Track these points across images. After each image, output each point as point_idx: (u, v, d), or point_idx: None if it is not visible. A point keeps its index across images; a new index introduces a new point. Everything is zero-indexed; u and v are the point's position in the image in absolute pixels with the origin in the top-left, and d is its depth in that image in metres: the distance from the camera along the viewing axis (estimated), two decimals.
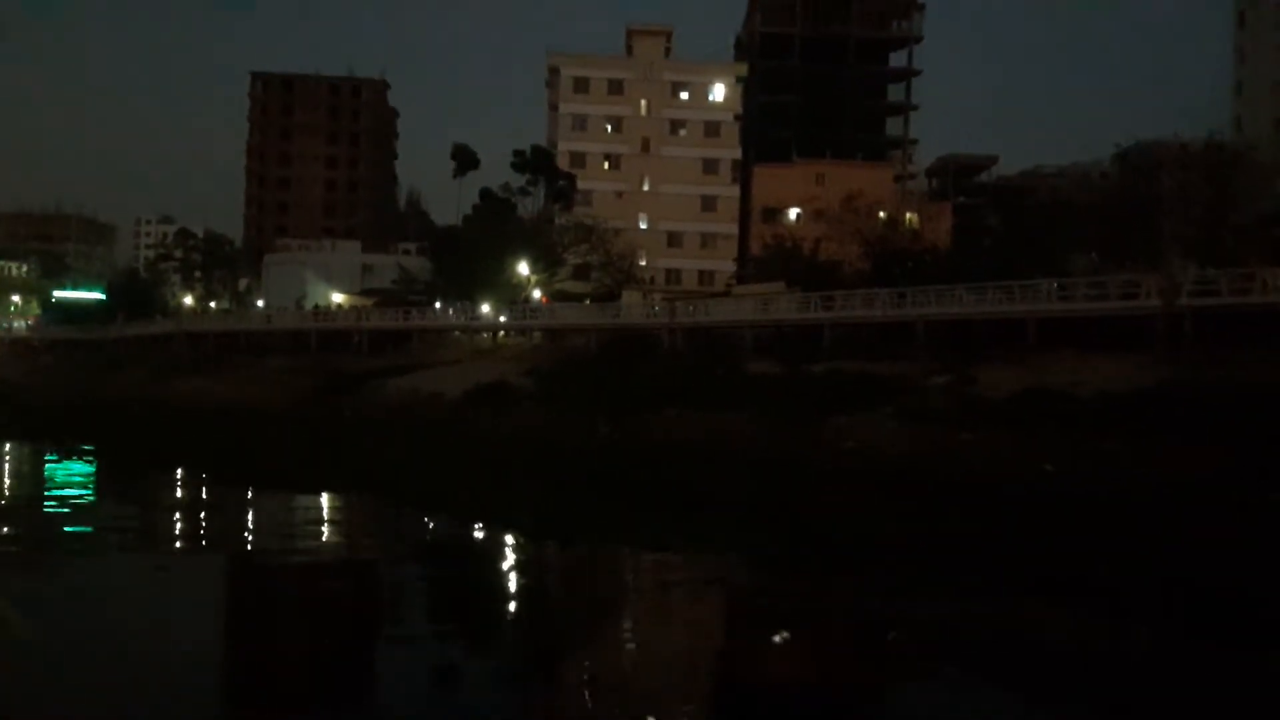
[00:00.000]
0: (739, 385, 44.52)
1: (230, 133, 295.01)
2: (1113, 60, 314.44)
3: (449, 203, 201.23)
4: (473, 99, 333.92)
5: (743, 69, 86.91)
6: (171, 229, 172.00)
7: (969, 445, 31.94)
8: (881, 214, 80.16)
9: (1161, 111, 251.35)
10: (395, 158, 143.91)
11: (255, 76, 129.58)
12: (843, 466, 32.91)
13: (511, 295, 71.67)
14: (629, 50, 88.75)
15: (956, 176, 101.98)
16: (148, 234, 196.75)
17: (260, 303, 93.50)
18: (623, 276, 77.02)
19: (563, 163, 79.80)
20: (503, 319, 67.17)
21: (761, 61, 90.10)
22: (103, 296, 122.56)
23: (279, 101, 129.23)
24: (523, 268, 71.92)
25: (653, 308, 62.52)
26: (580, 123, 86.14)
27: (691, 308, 57.96)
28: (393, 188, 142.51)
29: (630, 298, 67.69)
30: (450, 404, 53.13)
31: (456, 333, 70.46)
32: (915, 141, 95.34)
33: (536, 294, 72.67)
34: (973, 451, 31.56)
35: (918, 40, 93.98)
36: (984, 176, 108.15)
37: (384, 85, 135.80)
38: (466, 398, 52.78)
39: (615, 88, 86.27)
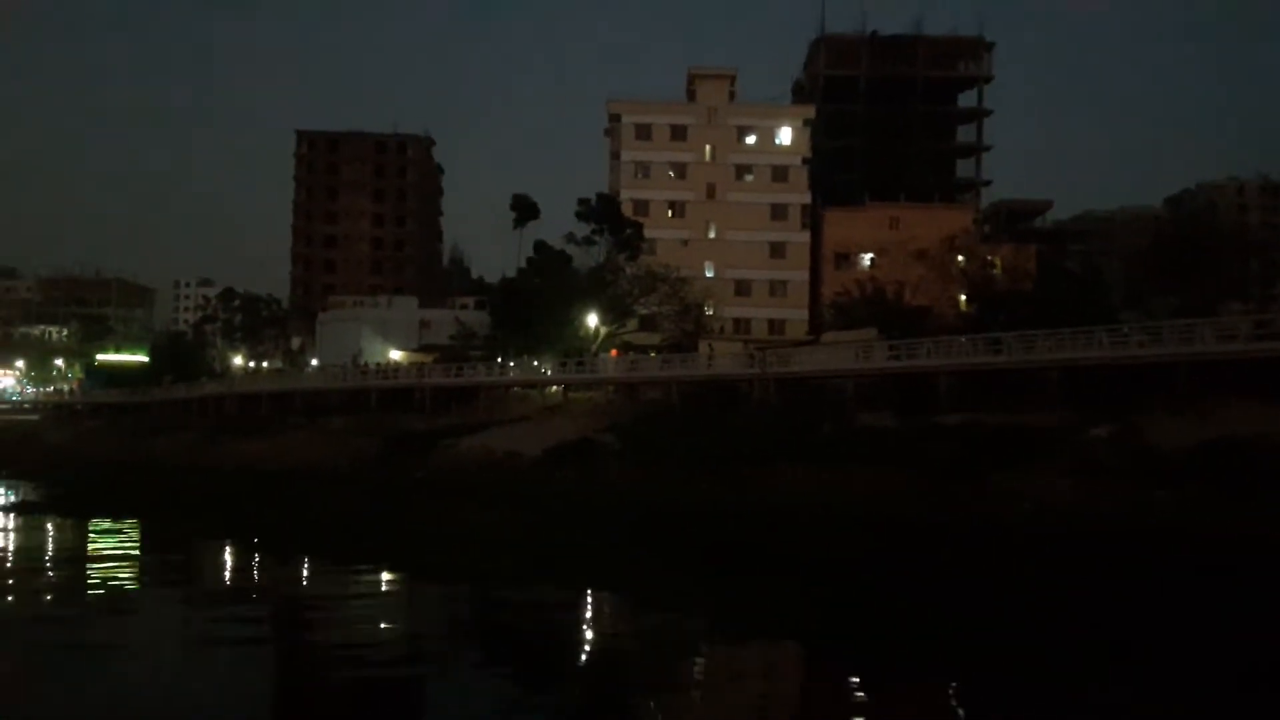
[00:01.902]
0: (852, 439, 40.66)
1: (274, 192, 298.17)
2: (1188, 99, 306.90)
3: (493, 258, 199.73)
4: (516, 150, 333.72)
5: (810, 111, 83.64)
6: (211, 291, 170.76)
7: (1163, 504, 27.74)
8: (960, 258, 77.20)
9: (1225, 153, 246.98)
10: (440, 214, 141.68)
11: (301, 135, 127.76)
12: (1008, 527, 28.71)
13: (577, 348, 68.19)
14: (690, 95, 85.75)
15: (1008, 221, 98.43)
16: (186, 297, 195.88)
17: (314, 361, 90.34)
18: (693, 326, 73.37)
19: (625, 211, 76.50)
20: (574, 373, 63.42)
21: (826, 104, 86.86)
22: (146, 359, 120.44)
23: (325, 160, 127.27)
24: (591, 319, 68.36)
25: (740, 357, 58.66)
26: (643, 170, 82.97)
27: (777, 357, 54.03)
28: (437, 244, 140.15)
29: (718, 348, 63.87)
30: (530, 464, 49.46)
31: (521, 388, 66.94)
32: (988, 183, 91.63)
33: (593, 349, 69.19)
34: (1168, 510, 27.38)
35: (987, 80, 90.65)
36: (1038, 221, 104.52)
37: (429, 141, 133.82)
38: (547, 456, 49.12)
39: (678, 133, 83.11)
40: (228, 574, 29.54)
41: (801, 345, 61.09)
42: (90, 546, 33.66)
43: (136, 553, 32.75)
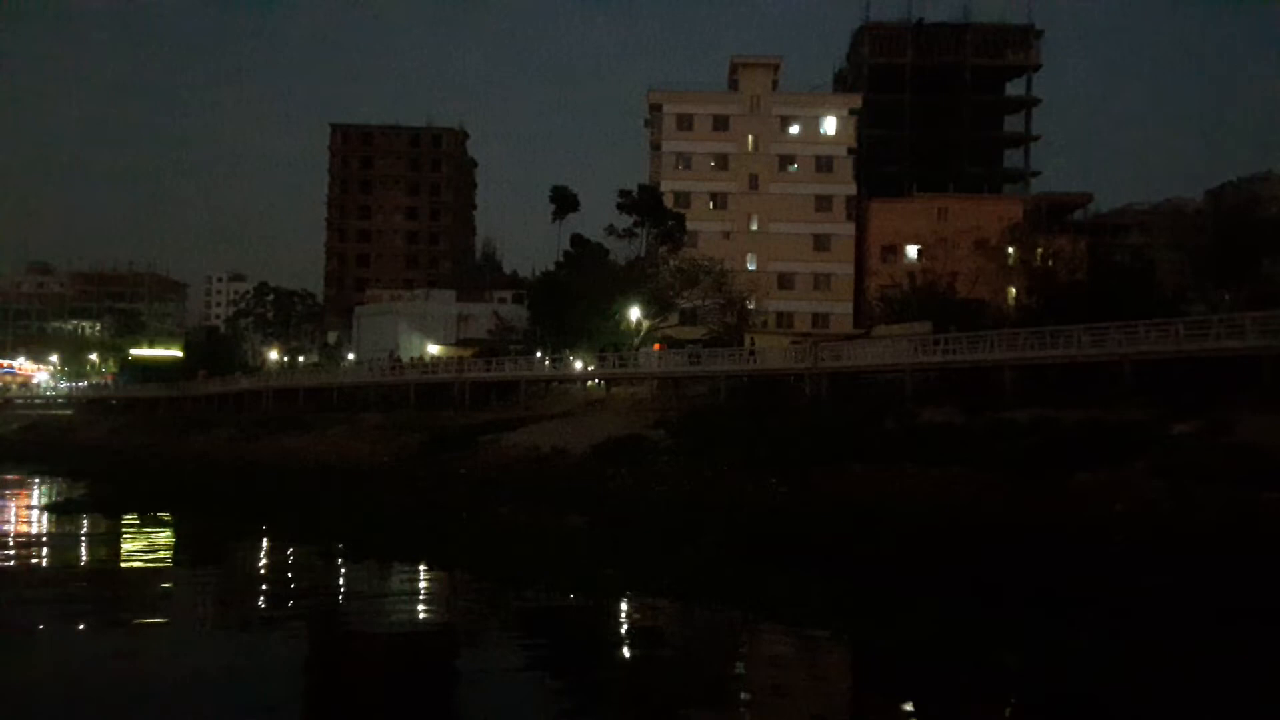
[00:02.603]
0: (918, 436, 38.88)
1: (307, 187, 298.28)
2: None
3: (525, 251, 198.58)
4: (547, 143, 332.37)
5: (856, 100, 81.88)
6: (242, 286, 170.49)
7: (1273, 507, 25.91)
8: (1011, 250, 75.33)
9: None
10: (474, 207, 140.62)
11: (335, 128, 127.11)
12: (1096, 530, 26.97)
13: (617, 342, 66.74)
14: (732, 85, 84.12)
15: (1049, 214, 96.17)
16: (218, 292, 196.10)
17: (351, 356, 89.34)
18: (734, 320, 71.79)
19: (666, 203, 74.98)
20: (616, 367, 61.96)
21: (870, 94, 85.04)
22: (179, 354, 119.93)
23: (358, 153, 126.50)
24: (634, 313, 66.87)
25: (788, 351, 57.05)
26: (684, 161, 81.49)
27: (829, 351, 52.35)
28: (471, 238, 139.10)
29: (763, 341, 62.26)
30: (578, 460, 47.96)
31: (562, 382, 65.60)
32: (1037, 174, 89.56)
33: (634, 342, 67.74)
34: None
35: (1036, 68, 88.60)
36: (1078, 215, 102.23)
37: (463, 134, 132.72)
38: (596, 453, 47.57)
39: (720, 124, 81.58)
40: (296, 580, 27.91)
41: (852, 339, 59.25)
42: (132, 546, 32.40)
43: (193, 557, 31.56)
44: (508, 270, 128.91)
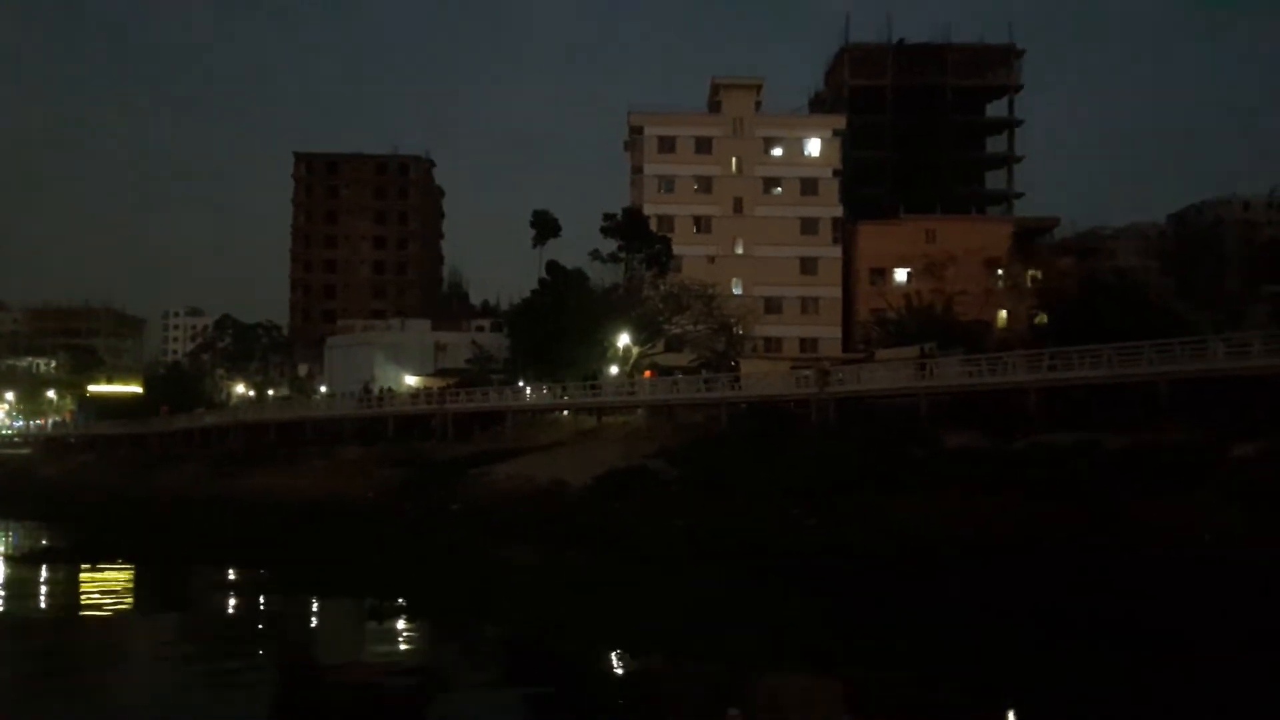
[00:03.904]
0: (947, 463, 36.85)
1: (267, 217, 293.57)
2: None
3: (491, 280, 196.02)
4: (512, 170, 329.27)
5: (840, 121, 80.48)
6: (199, 321, 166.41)
7: None
8: (1000, 271, 74.20)
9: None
10: (441, 236, 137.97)
11: (299, 157, 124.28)
12: (1173, 563, 24.95)
13: (594, 372, 64.47)
14: (713, 107, 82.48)
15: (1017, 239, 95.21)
16: (175, 327, 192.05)
17: (323, 389, 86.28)
18: (723, 346, 69.70)
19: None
20: (612, 395, 59.69)
21: (851, 116, 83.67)
22: (139, 390, 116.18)
23: (323, 182, 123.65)
24: (624, 339, 64.62)
25: (787, 377, 55.03)
26: (667, 184, 79.61)
27: (842, 375, 50.40)
28: (439, 268, 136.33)
29: (753, 367, 60.17)
30: (579, 493, 45.54)
31: (554, 413, 63.14)
32: (1020, 195, 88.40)
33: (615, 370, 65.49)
34: None
35: (1017, 89, 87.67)
36: (1045, 239, 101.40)
37: (429, 162, 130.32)
38: (598, 485, 45.17)
39: (703, 146, 79.84)
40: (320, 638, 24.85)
41: (855, 363, 57.33)
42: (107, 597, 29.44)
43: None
44: (475, 300, 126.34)
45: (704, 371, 61.54)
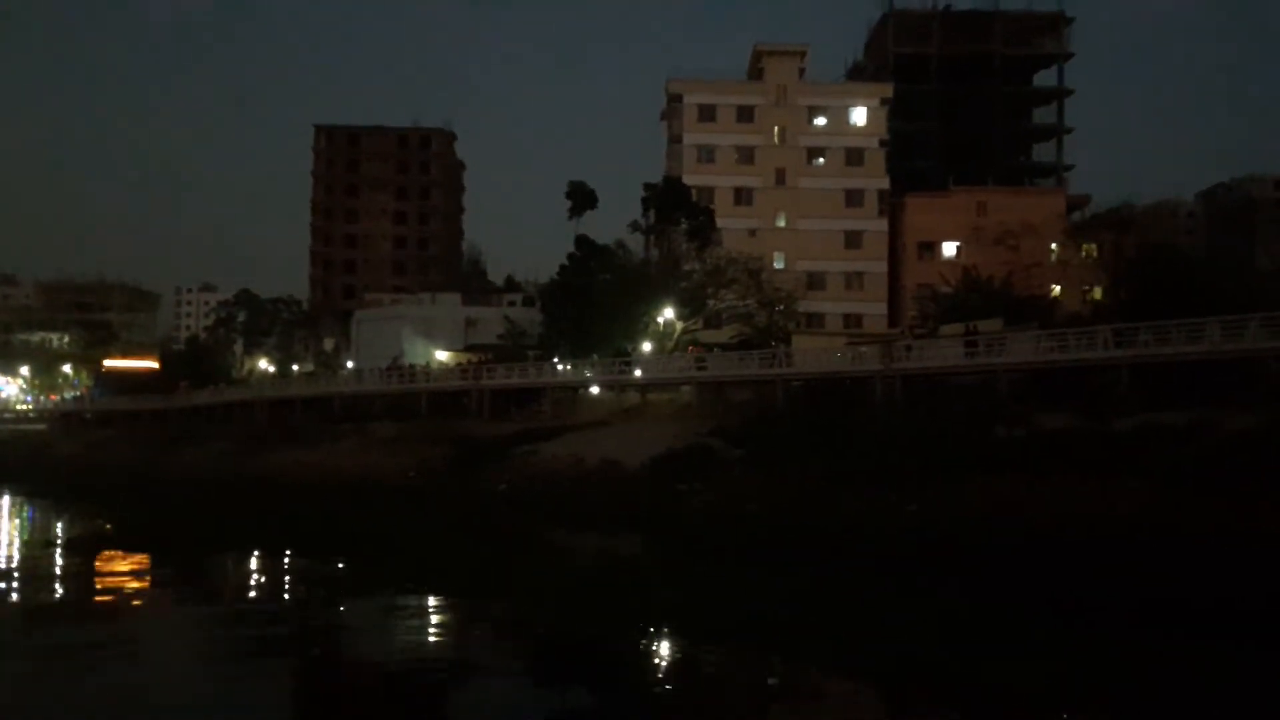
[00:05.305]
0: (1043, 444, 34.18)
1: (285, 190, 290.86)
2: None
3: (511, 256, 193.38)
4: (528, 143, 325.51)
5: (888, 90, 77.51)
6: (213, 297, 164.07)
7: None
8: (1054, 245, 71.59)
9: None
10: (463, 211, 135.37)
11: (319, 129, 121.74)
12: None
13: (623, 348, 62.11)
14: (754, 74, 79.61)
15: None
16: (188, 303, 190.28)
17: (349, 364, 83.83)
18: (765, 322, 67.02)
19: None
20: (657, 372, 57.22)
21: (895, 85, 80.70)
22: (156, 365, 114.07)
23: (344, 155, 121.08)
24: (668, 313, 62.11)
25: (845, 351, 52.58)
26: (706, 154, 76.76)
27: (914, 347, 47.87)
28: (460, 243, 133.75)
29: (806, 342, 57.66)
30: (634, 475, 43.04)
31: (593, 390, 60.66)
32: (1071, 167, 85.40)
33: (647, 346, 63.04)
34: None
35: (1068, 57, 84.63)
36: (1076, 216, 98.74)
37: (451, 135, 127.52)
38: (656, 466, 42.67)
39: (745, 114, 76.92)
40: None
41: (918, 338, 54.75)
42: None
43: None
44: (493, 276, 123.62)
45: (745, 349, 59.15)
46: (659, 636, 19.07)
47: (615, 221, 67.47)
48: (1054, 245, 71.04)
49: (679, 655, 18.19)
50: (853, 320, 74.35)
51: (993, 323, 51.13)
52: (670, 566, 27.48)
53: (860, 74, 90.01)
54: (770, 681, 17.27)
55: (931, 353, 47.21)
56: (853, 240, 76.02)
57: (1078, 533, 27.02)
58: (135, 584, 26.50)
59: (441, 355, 74.70)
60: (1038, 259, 67.24)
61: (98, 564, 28.70)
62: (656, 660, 17.96)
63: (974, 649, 18.13)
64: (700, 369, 55.58)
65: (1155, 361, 38.45)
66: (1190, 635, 18.63)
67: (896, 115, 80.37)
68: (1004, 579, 23.66)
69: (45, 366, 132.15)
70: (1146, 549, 25.18)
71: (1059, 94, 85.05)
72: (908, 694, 16.56)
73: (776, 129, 76.92)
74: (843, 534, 30.44)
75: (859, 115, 77.24)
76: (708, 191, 73.78)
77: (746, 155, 76.91)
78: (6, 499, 50.97)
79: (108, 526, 36.92)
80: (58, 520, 42.28)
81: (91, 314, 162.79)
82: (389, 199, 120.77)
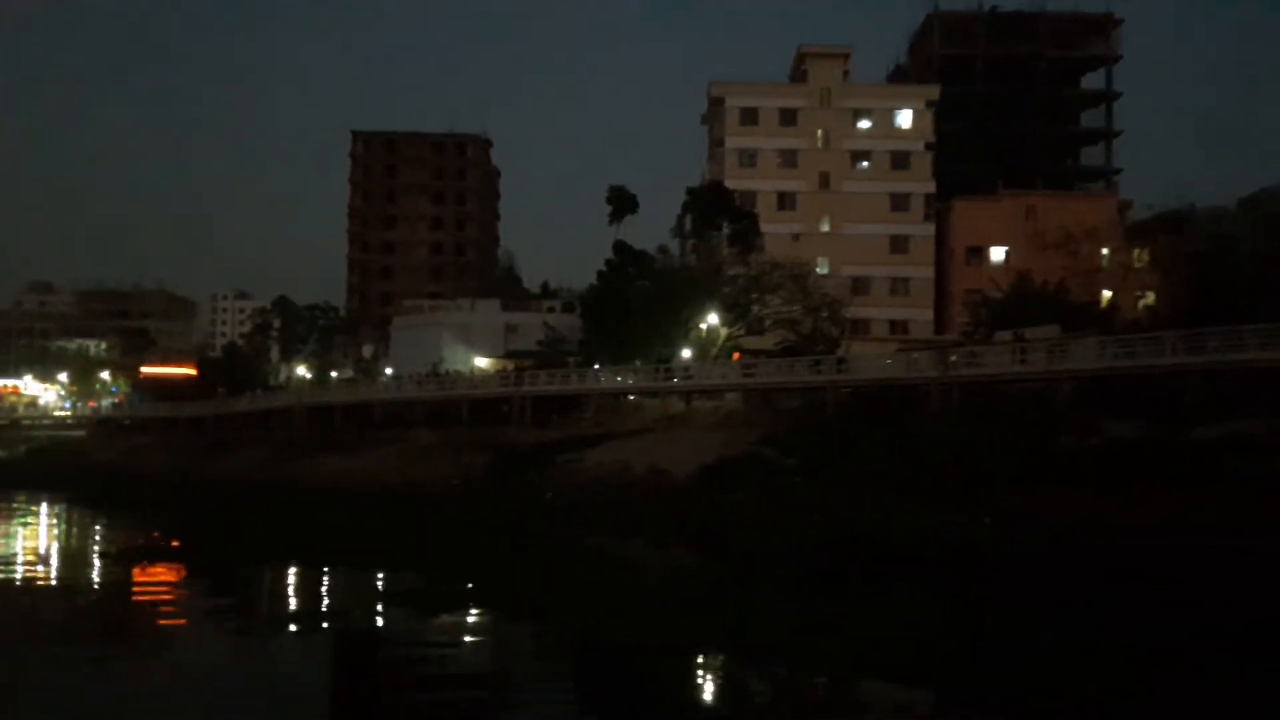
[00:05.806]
0: (1116, 455, 32.85)
1: (321, 197, 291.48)
2: None
3: (543, 263, 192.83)
4: (580, 145, 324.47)
5: (934, 92, 76.15)
6: (248, 304, 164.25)
7: None
8: (1104, 250, 69.84)
9: None
10: (498, 218, 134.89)
11: (356, 135, 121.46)
12: None
13: (678, 353, 61.10)
14: (796, 76, 78.46)
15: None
16: (223, 310, 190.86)
17: (388, 370, 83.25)
18: (810, 329, 65.69)
19: None
20: (704, 379, 56.25)
21: (941, 87, 79.30)
22: (193, 372, 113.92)
23: (382, 161, 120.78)
24: (711, 319, 61.08)
25: (896, 358, 51.34)
26: (748, 158, 75.64)
27: (974, 353, 46.63)
28: (495, 250, 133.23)
29: (860, 349, 56.57)
30: (683, 484, 42.06)
31: (637, 397, 59.71)
32: (1119, 171, 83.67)
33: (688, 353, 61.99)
34: None
35: (1116, 59, 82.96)
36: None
37: (486, 142, 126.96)
38: (705, 475, 41.66)
39: (788, 118, 75.74)
40: None
41: (976, 345, 53.38)
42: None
43: None
44: (528, 283, 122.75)
45: (789, 355, 58.02)
46: (757, 661, 17.67)
47: (650, 228, 66.47)
48: (1104, 250, 69.35)
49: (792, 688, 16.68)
50: (899, 326, 73.06)
51: (1049, 329, 49.65)
52: (737, 583, 26.01)
53: (903, 76, 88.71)
54: None
55: (991, 359, 45.79)
56: (898, 245, 74.70)
57: (1169, 549, 25.82)
58: (175, 594, 25.58)
59: (481, 362, 73.97)
60: (1092, 264, 65.68)
61: (138, 573, 27.84)
62: (753, 687, 16.70)
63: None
64: (748, 375, 54.50)
65: (1229, 368, 36.96)
66: None
67: (941, 118, 79.03)
68: (1111, 604, 21.94)
69: (83, 373, 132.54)
70: (1241, 567, 24.00)
71: (1107, 97, 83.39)
72: None
73: (820, 132, 75.73)
74: (918, 549, 29.27)
75: (904, 118, 75.96)
76: (750, 196, 72.59)
77: (789, 159, 75.74)
78: (45, 506, 50.29)
79: (154, 535, 36.01)
80: (97, 528, 41.51)
81: (129, 320, 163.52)
82: (426, 205, 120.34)
